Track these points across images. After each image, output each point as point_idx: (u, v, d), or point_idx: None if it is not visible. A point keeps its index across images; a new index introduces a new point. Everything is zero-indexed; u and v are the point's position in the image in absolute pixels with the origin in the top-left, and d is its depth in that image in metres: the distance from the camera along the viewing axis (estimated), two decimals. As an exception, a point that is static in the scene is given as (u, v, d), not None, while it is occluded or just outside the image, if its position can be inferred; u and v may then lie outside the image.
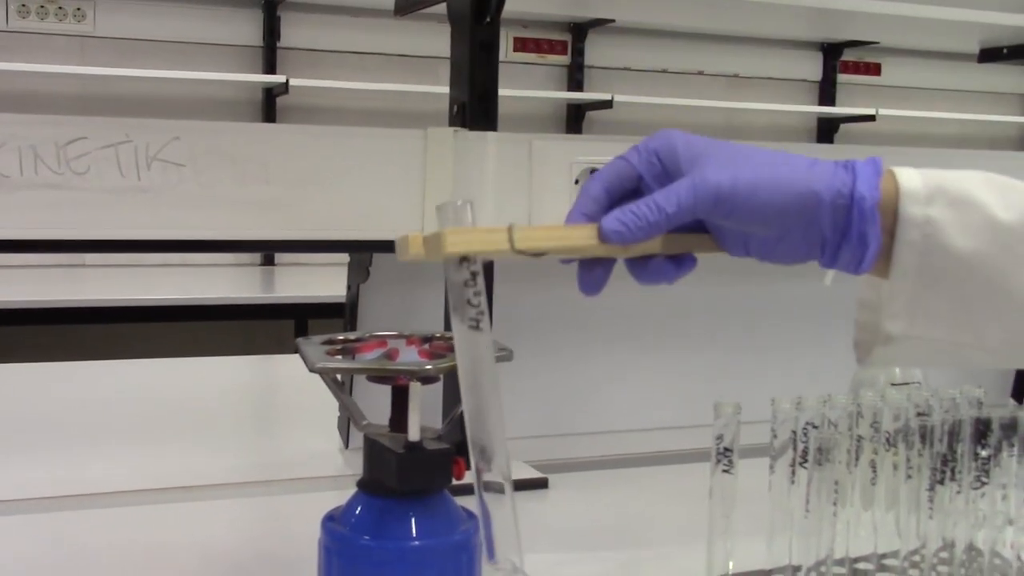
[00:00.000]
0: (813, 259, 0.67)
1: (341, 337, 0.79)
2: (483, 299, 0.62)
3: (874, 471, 0.81)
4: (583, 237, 0.65)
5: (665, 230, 0.65)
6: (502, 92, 1.19)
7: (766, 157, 0.66)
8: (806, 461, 0.77)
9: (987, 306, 0.65)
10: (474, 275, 0.62)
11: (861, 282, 0.70)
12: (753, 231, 0.66)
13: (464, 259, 0.62)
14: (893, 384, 1.07)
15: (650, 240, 0.65)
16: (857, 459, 0.80)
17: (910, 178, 0.65)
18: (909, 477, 0.79)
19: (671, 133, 0.68)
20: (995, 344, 0.66)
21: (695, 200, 0.64)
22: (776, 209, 0.64)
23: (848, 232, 0.64)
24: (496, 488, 0.63)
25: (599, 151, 1.23)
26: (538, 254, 0.63)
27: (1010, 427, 0.79)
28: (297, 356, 0.75)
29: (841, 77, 4.67)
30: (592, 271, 0.68)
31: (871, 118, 4.44)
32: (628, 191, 0.68)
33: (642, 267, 0.68)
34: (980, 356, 0.67)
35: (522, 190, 1.20)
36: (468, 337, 0.63)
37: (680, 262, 0.68)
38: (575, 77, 4.26)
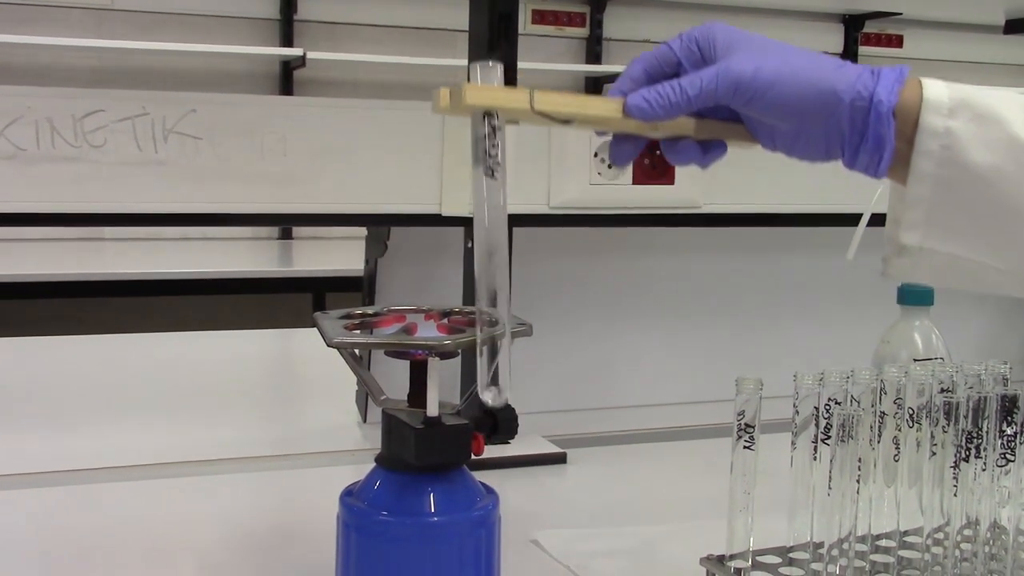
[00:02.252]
0: (835, 158, 0.69)
1: (359, 311, 0.79)
2: (501, 152, 0.66)
3: (897, 448, 0.80)
4: (606, 108, 0.68)
5: (686, 112, 0.67)
6: (520, 65, 1.18)
7: (796, 54, 0.68)
8: (828, 437, 0.76)
9: (1003, 224, 0.66)
10: (494, 129, 0.66)
11: (891, 197, 0.71)
12: (773, 123, 0.68)
13: (487, 114, 0.66)
14: (916, 360, 1.06)
15: (679, 121, 0.68)
16: (880, 435, 0.79)
17: (936, 89, 0.67)
18: (933, 454, 0.78)
19: (714, 24, 0.70)
20: (1011, 265, 0.67)
21: (716, 86, 0.66)
22: (794, 103, 0.66)
23: (865, 133, 0.66)
24: (498, 333, 0.67)
25: (619, 124, 1.22)
26: (565, 121, 0.67)
27: (1036, 404, 0.78)
28: (315, 330, 0.75)
29: (863, 49, 4.61)
30: (621, 144, 0.71)
31: (894, 92, 4.40)
32: (667, 75, 0.70)
33: (672, 146, 0.71)
34: (996, 277, 0.68)
35: (541, 162, 1.19)
36: (484, 183, 0.67)
37: (708, 147, 0.71)
38: (594, 50, 4.23)
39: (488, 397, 0.65)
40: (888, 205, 0.72)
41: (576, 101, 0.67)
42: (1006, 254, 0.66)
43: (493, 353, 0.66)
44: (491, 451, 1.16)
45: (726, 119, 0.70)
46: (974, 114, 0.65)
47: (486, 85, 0.66)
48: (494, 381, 0.65)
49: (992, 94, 0.66)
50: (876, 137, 0.66)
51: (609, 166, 1.21)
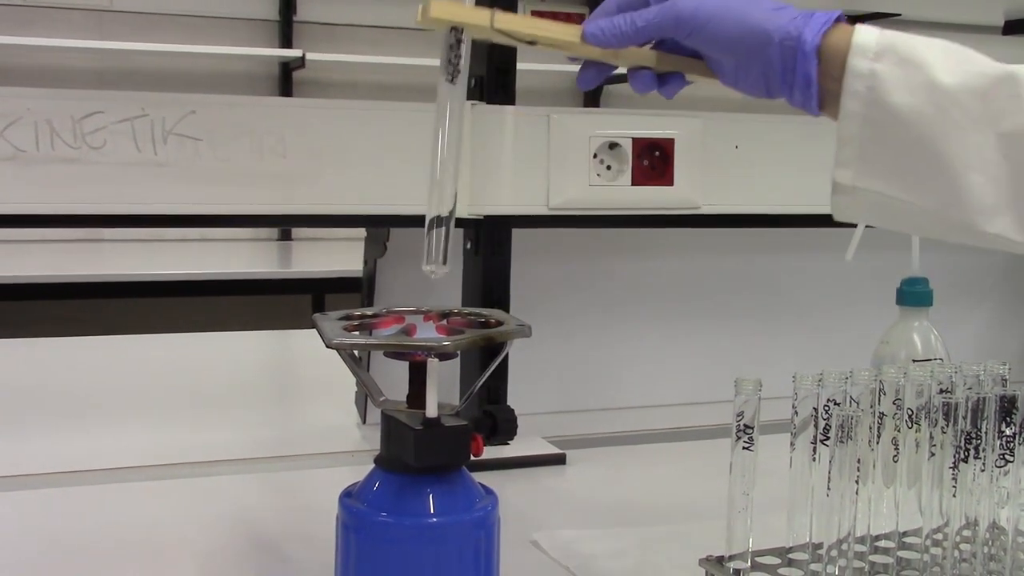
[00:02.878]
0: (777, 95, 0.74)
1: (358, 313, 0.79)
2: (463, 62, 0.74)
3: (896, 448, 0.80)
4: (565, 32, 0.75)
5: (635, 42, 0.74)
6: (519, 66, 1.18)
7: None
8: (827, 438, 0.76)
9: (924, 164, 0.69)
10: (458, 42, 0.74)
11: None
12: (714, 57, 0.74)
13: (453, 28, 0.74)
14: (915, 360, 1.07)
15: (642, 51, 0.75)
16: (879, 436, 0.79)
17: (866, 34, 0.70)
18: (932, 455, 0.78)
19: None
20: (932, 205, 0.70)
21: (661, 19, 0.73)
22: (728, 39, 0.72)
23: (795, 71, 0.71)
24: (444, 222, 0.77)
25: (617, 124, 1.22)
26: (530, 42, 0.75)
27: (1035, 404, 0.78)
28: (314, 332, 0.75)
29: (862, 50, 4.62)
30: (587, 70, 0.78)
31: (892, 92, 4.41)
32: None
33: (633, 75, 0.77)
34: (922, 218, 0.71)
35: (540, 164, 1.19)
36: (445, 88, 0.75)
37: (665, 79, 0.77)
38: (593, 51, 4.23)
39: (430, 269, 0.75)
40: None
41: (536, 24, 0.74)
42: (927, 195, 0.70)
43: (446, 233, 0.75)
44: (490, 452, 1.16)
45: (686, 55, 0.76)
46: (899, 58, 0.69)
47: (453, 2, 0.74)
48: (443, 259, 0.74)
49: (920, 40, 0.70)
50: (803, 75, 0.71)
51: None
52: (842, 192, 0.72)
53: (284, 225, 3.46)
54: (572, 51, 0.76)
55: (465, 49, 0.74)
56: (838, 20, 0.72)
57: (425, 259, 0.75)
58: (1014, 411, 0.77)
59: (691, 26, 0.72)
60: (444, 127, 0.75)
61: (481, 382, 0.81)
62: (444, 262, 0.74)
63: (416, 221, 1.18)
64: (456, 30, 0.74)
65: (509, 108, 1.17)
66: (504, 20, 0.74)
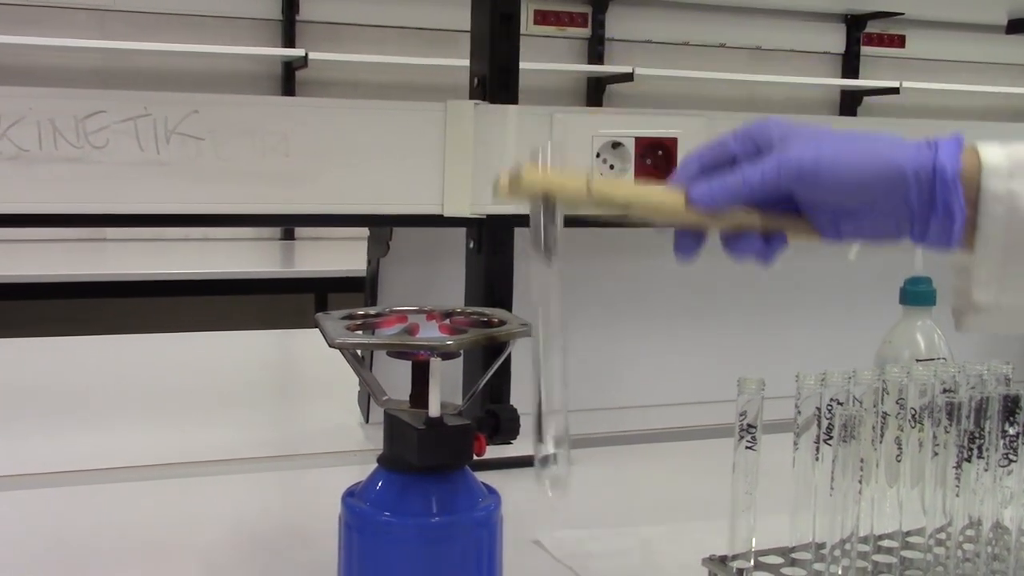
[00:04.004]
0: (904, 235, 0.68)
1: (361, 312, 0.79)
2: (557, 236, 0.67)
3: (899, 448, 0.80)
4: (667, 197, 0.68)
5: (748, 201, 0.68)
6: (522, 65, 1.18)
7: (851, 137, 0.68)
8: (831, 438, 0.76)
9: None
10: (552, 214, 0.67)
11: (956, 255, 0.72)
12: (840, 205, 0.68)
13: (545, 198, 0.67)
14: (919, 360, 1.06)
15: (739, 213, 0.68)
16: (882, 436, 0.79)
17: (993, 153, 0.67)
18: (935, 454, 0.78)
19: (768, 118, 0.71)
20: None
21: (779, 174, 0.67)
22: (859, 182, 0.66)
23: (934, 204, 0.66)
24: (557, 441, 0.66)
25: (620, 124, 1.22)
26: (624, 208, 0.68)
27: (1039, 404, 0.77)
28: (317, 331, 0.75)
29: (865, 49, 4.61)
30: (684, 238, 0.71)
31: (895, 91, 4.39)
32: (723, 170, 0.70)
33: (733, 239, 0.71)
34: None
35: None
36: (540, 272, 0.68)
37: (770, 239, 0.71)
38: (596, 50, 4.23)
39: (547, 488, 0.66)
40: (952, 259, 0.72)
41: (634, 188, 0.69)
42: None
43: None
44: (493, 451, 1.16)
45: (786, 212, 0.70)
46: None
47: (544, 169, 0.67)
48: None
49: None
50: (945, 206, 0.66)
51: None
52: (982, 311, 0.69)
53: (287, 224, 3.46)
54: (670, 217, 0.70)
55: (559, 221, 0.67)
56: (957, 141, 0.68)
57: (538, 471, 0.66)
58: (1017, 411, 0.77)
59: (814, 176, 0.67)
60: (544, 320, 0.67)
61: (484, 381, 0.81)
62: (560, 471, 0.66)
63: (419, 220, 1.19)
64: (548, 200, 0.67)
65: (512, 107, 1.17)
66: (601, 185, 0.68)
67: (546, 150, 0.67)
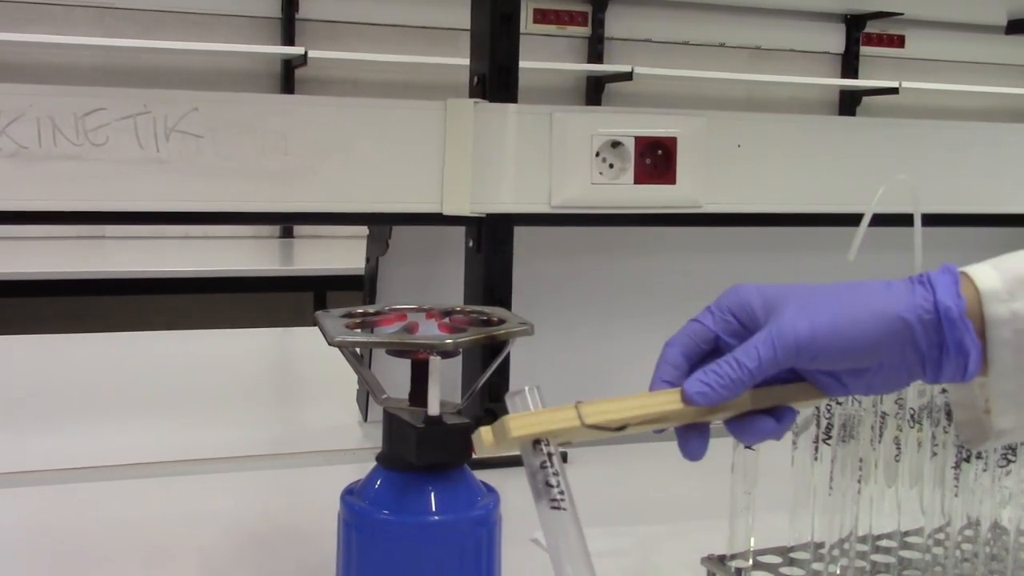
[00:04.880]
0: (916, 379, 0.65)
1: (360, 310, 0.79)
2: (562, 479, 0.62)
3: (898, 448, 0.80)
4: (664, 403, 0.64)
5: (749, 386, 0.63)
6: (522, 64, 1.18)
7: (839, 293, 0.64)
8: (829, 437, 0.76)
9: None
10: (550, 456, 0.63)
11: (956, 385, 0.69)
12: (846, 369, 0.64)
13: (537, 442, 0.63)
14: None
15: (738, 398, 0.64)
16: (881, 436, 0.79)
17: (987, 277, 0.64)
18: (934, 454, 0.78)
19: (741, 288, 0.67)
20: None
21: (775, 352, 0.63)
22: (863, 345, 0.63)
23: (944, 345, 0.63)
24: None
25: (620, 123, 1.22)
26: (620, 428, 0.63)
27: (1037, 404, 0.77)
28: (316, 329, 0.75)
29: (864, 49, 4.61)
30: (689, 437, 0.66)
31: (894, 91, 4.40)
32: (706, 352, 0.67)
33: (740, 427, 0.66)
34: None
35: (543, 162, 1.19)
36: (552, 517, 0.62)
37: (780, 415, 0.66)
38: (595, 49, 4.23)
39: None
40: (950, 395, 0.71)
41: (628, 404, 0.63)
42: None
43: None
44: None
45: (784, 381, 0.65)
46: None
47: (527, 413, 0.63)
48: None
49: None
50: (957, 344, 0.63)
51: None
52: (1004, 435, 0.67)
53: (286, 223, 3.46)
54: (669, 421, 0.65)
55: (558, 461, 0.63)
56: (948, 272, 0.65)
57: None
58: (1016, 411, 0.77)
59: (814, 349, 0.63)
60: (570, 568, 0.61)
61: (483, 380, 0.80)
62: None
63: (418, 219, 1.19)
64: (542, 443, 0.63)
65: (511, 106, 1.17)
66: (594, 412, 0.63)
67: (525, 394, 0.63)
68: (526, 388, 0.63)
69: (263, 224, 3.59)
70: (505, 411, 0.64)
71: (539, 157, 1.19)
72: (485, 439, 0.63)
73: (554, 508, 0.62)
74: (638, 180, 1.22)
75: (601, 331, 1.37)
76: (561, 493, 0.62)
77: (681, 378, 0.65)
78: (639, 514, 1.03)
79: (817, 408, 0.77)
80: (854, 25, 4.56)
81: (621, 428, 0.63)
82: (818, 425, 0.77)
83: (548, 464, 0.62)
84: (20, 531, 0.96)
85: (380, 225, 1.27)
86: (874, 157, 1.34)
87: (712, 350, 0.67)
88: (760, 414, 0.65)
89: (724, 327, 0.66)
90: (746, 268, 1.42)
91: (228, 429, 1.27)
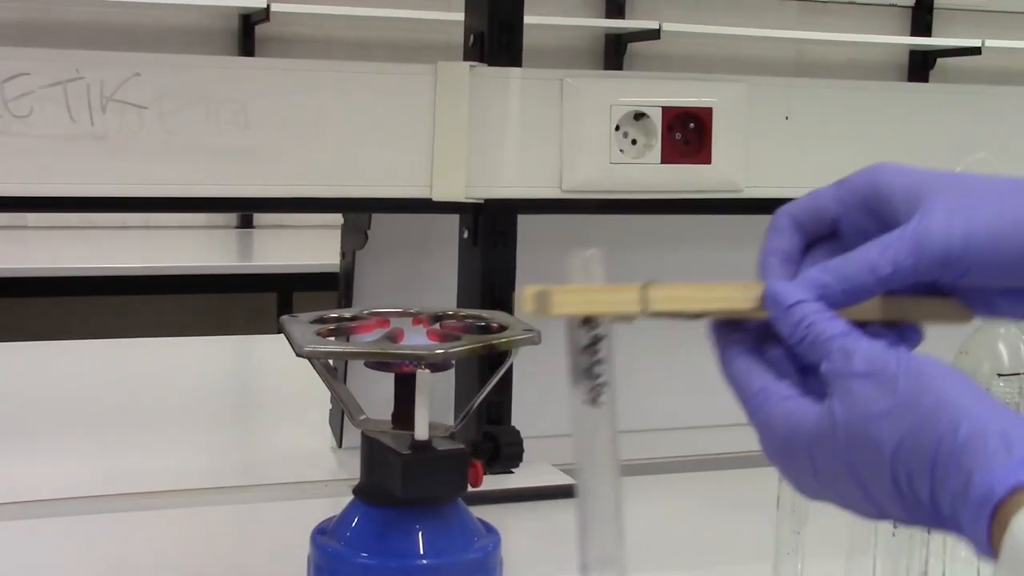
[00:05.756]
0: None
1: (334, 315, 0.80)
2: (607, 368, 0.61)
3: (976, 479, 0.81)
4: (752, 300, 0.62)
5: (875, 295, 0.61)
6: (527, 20, 1.19)
7: (1007, 189, 0.60)
8: (894, 467, 0.76)
9: None
10: (597, 340, 0.62)
11: None
12: (1002, 288, 0.61)
13: (588, 320, 0.62)
14: (1000, 375, 1.07)
15: (861, 304, 0.61)
16: (956, 465, 0.79)
17: None
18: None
19: (881, 168, 0.63)
20: None
21: (917, 260, 0.59)
22: None
23: None
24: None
25: (644, 91, 1.22)
26: (695, 317, 0.63)
27: None
28: (282, 337, 0.75)
29: (939, 1, 4.61)
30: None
31: (975, 51, 4.39)
32: (822, 236, 0.65)
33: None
34: None
35: (552, 138, 1.19)
36: (585, 414, 0.62)
37: (905, 332, 0.63)
38: (615, 2, 4.23)
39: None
40: None
41: (711, 295, 0.62)
42: None
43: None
44: (491, 482, 1.17)
45: (920, 293, 0.62)
46: None
47: (578, 286, 0.62)
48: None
49: None
50: None
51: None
52: None
53: (245, 210, 3.46)
54: (759, 316, 0.63)
55: (608, 348, 0.61)
56: None
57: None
58: (1118, 435, 0.77)
59: (966, 263, 0.58)
60: (590, 477, 0.63)
61: (481, 398, 0.81)
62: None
63: (403, 205, 1.20)
64: (591, 322, 0.62)
65: (515, 71, 1.17)
66: (663, 299, 0.61)
67: (592, 260, 0.62)
68: (589, 252, 0.62)
69: (217, 212, 3.59)
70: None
71: (548, 131, 1.19)
72: (525, 303, 0.62)
73: (590, 402, 0.61)
74: (666, 159, 1.23)
75: (621, 340, 1.37)
76: (603, 385, 0.61)
77: (795, 251, 0.64)
78: (668, 559, 1.03)
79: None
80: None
81: (696, 317, 0.63)
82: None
83: (596, 348, 0.61)
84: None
85: (357, 213, 1.27)
86: (950, 131, 1.34)
87: (830, 234, 0.64)
88: (876, 326, 0.62)
89: (850, 212, 0.63)
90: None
91: (178, 457, 1.28)
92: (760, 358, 0.62)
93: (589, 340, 0.61)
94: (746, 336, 0.63)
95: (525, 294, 0.61)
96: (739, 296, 0.62)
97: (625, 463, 1.29)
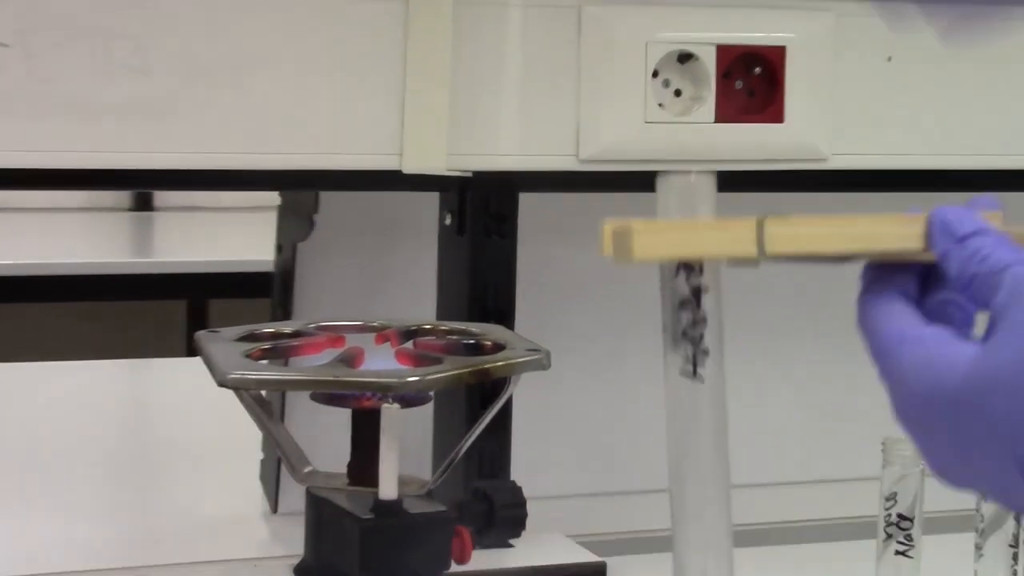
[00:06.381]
0: None
1: (269, 330, 0.80)
2: (709, 330, 0.63)
3: None
4: (900, 237, 0.64)
5: None
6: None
7: None
8: (1034, 538, 0.77)
9: None
10: (697, 292, 0.63)
11: None
12: None
13: (685, 266, 0.63)
14: None
15: None
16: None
17: None
18: None
19: None
20: None
21: None
22: None
23: None
24: None
25: (693, 24, 1.23)
26: (828, 258, 0.65)
27: None
28: (196, 360, 0.76)
29: None
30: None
31: None
32: None
33: None
34: None
35: (565, 91, 1.20)
36: (679, 385, 0.64)
37: None
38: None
39: None
40: None
41: (846, 232, 0.65)
42: None
43: None
44: (485, 558, 1.17)
45: None
46: None
47: (677, 223, 0.64)
48: None
49: None
50: None
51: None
52: None
53: (143, 186, 3.46)
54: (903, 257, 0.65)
55: (713, 304, 0.64)
56: None
57: None
58: None
59: None
60: (687, 468, 0.65)
61: (469, 443, 0.81)
62: None
63: (362, 180, 1.20)
64: (691, 269, 0.64)
65: (514, -2, 1.18)
66: (785, 238, 0.63)
67: (696, 185, 0.64)
68: (692, 174, 0.64)
69: (105, 188, 3.59)
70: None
71: (560, 81, 1.20)
72: (605, 243, 0.64)
73: (688, 375, 0.63)
74: (722, 116, 1.23)
75: (652, 364, 1.37)
76: (705, 353, 0.63)
77: None
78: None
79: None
80: None
81: (827, 261, 0.65)
82: (1017, 521, 0.78)
83: (691, 305, 0.63)
84: None
85: (300, 191, 1.28)
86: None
87: None
88: None
89: None
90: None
91: (55, 526, 1.28)
92: (907, 302, 0.64)
93: (685, 296, 0.62)
94: (899, 280, 0.65)
95: (604, 232, 0.63)
96: (891, 232, 0.64)
97: (664, 532, 1.30)
